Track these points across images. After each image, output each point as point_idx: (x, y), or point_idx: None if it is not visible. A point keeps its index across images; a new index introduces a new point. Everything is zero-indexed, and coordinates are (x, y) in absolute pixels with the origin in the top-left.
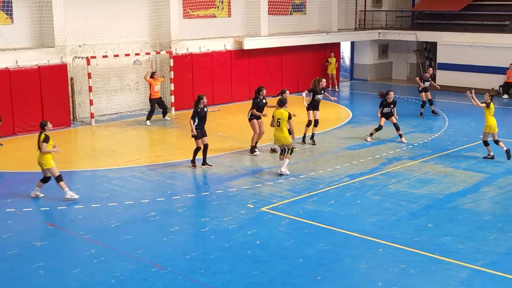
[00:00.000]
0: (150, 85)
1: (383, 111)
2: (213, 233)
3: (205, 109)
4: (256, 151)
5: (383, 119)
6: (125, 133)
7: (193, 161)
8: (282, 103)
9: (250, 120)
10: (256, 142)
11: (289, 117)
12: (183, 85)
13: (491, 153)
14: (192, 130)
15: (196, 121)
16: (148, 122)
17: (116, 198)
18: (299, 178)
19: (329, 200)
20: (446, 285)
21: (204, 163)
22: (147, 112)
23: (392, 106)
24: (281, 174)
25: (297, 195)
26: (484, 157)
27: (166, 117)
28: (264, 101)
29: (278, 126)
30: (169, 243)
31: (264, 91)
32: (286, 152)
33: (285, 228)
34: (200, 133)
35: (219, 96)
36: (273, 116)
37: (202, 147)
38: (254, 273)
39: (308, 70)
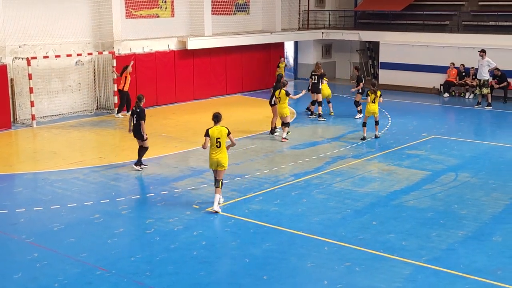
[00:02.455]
0: (126, 78)
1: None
2: (158, 234)
3: None
4: (276, 131)
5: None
6: (68, 134)
7: (140, 162)
8: (218, 119)
9: (273, 105)
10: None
11: (229, 132)
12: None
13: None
14: (145, 132)
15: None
16: (120, 115)
17: (59, 201)
18: (244, 178)
19: (275, 199)
20: (390, 282)
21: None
22: (118, 106)
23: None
24: (216, 212)
25: (242, 195)
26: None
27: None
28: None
29: (219, 146)
30: (113, 246)
31: (284, 78)
32: (217, 184)
33: (231, 229)
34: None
35: (163, 97)
36: (208, 136)
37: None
38: (200, 274)
39: (253, 69)
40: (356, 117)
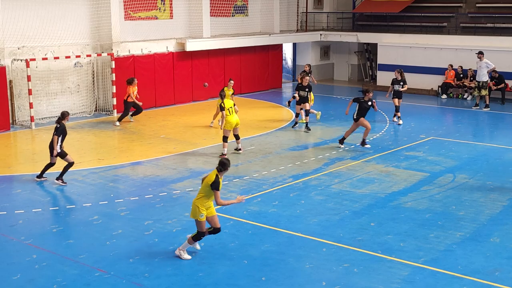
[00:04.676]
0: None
1: (300, 94)
2: (157, 236)
3: None
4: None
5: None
6: (67, 136)
7: (41, 175)
8: (224, 167)
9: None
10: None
11: (216, 186)
12: (125, 88)
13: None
14: (55, 149)
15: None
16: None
17: (58, 202)
18: (243, 179)
19: (273, 201)
20: (388, 283)
21: (60, 177)
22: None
23: (307, 90)
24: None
25: None
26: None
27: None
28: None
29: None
30: (112, 247)
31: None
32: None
33: (229, 230)
34: (64, 151)
35: (161, 98)
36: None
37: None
38: (199, 275)
39: (251, 71)
40: (398, 121)
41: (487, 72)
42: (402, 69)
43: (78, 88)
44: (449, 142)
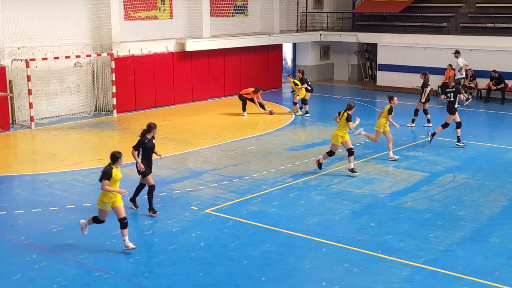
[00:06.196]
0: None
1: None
2: (157, 236)
3: (153, 140)
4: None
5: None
6: (66, 136)
7: (134, 199)
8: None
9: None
10: None
11: None
12: (125, 88)
13: None
14: (138, 164)
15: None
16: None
17: (58, 203)
18: (243, 179)
19: (273, 201)
20: (388, 283)
21: (151, 208)
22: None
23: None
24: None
25: (241, 196)
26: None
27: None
28: None
29: None
30: (112, 247)
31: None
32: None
33: (229, 230)
34: (148, 169)
35: (161, 98)
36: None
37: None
38: (199, 275)
39: (251, 71)
40: (425, 125)
41: (458, 71)
42: (427, 71)
43: (78, 88)
44: (449, 142)
